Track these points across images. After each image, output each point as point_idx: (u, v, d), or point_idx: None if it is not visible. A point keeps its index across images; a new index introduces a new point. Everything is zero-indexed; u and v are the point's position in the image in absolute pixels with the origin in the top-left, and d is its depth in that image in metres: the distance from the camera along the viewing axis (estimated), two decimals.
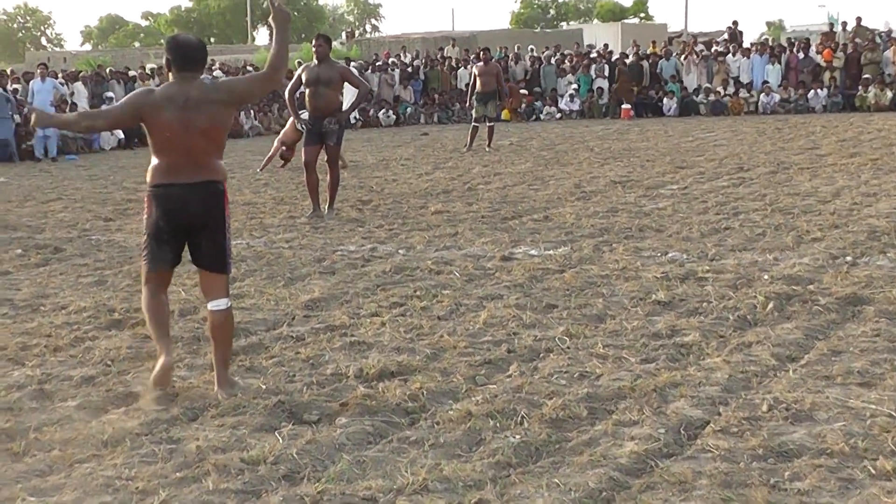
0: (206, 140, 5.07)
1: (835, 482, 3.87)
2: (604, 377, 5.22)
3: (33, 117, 5.16)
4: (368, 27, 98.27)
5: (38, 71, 22.22)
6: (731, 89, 27.59)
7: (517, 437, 4.42)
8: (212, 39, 74.59)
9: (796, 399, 4.75)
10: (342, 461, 4.19)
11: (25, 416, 4.90)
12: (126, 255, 9.19)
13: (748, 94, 27.31)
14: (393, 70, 29.90)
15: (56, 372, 5.59)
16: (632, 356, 5.57)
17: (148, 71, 26.92)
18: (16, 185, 15.88)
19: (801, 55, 28.07)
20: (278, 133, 17.40)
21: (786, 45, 29.80)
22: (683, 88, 28.01)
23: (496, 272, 7.84)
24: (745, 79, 28.02)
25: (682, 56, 29.08)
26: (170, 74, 5.15)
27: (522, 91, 28.74)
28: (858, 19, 30.30)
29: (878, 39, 28.35)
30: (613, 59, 29.96)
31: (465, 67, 29.18)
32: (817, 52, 28.25)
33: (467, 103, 20.28)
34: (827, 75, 27.27)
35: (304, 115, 11.09)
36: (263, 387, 5.19)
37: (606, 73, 28.85)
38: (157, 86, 6.01)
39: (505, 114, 25.68)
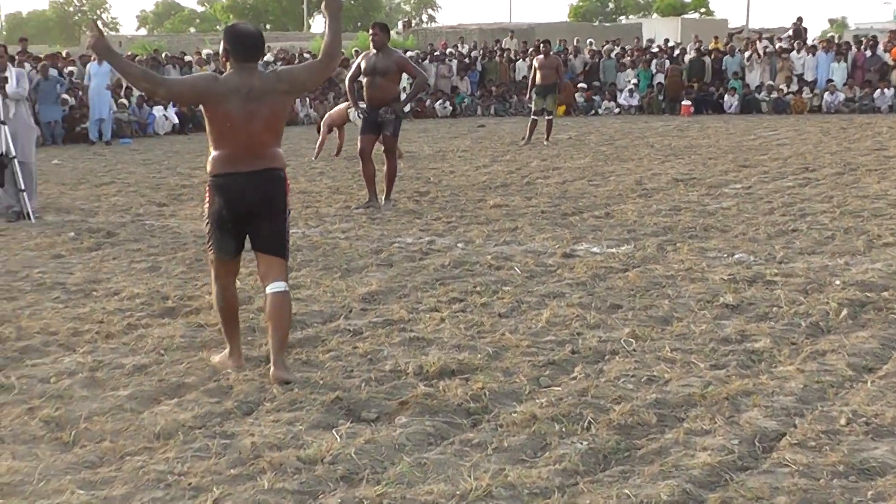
0: (267, 130, 5.08)
1: None
2: (672, 382, 5.02)
3: (93, 39, 4.91)
4: (425, 17, 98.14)
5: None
6: (794, 87, 27.06)
7: (584, 443, 4.23)
8: (267, 26, 74.81)
9: (876, 413, 4.51)
10: (402, 463, 4.04)
11: (76, 404, 4.80)
12: (180, 241, 9.12)
13: (811, 93, 26.77)
14: (450, 61, 29.71)
15: (108, 359, 5.49)
16: (701, 361, 5.35)
17: (204, 56, 26.93)
18: (69, 168, 15.96)
19: (869, 53, 27.45)
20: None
21: (852, 42, 29.17)
22: (745, 85, 27.54)
23: (558, 269, 7.64)
24: (809, 76, 27.44)
25: (746, 53, 28.56)
26: (227, 63, 5.12)
27: (581, 85, 28.44)
28: None
29: None
30: (675, 53, 29.53)
31: (524, 59, 28.94)
32: (885, 51, 27.59)
33: (527, 96, 20.05)
34: (894, 74, 26.63)
35: (362, 104, 10.95)
36: (320, 381, 5.05)
37: (667, 69, 28.43)
38: (215, 71, 5.91)
39: (559, 109, 25.38)
